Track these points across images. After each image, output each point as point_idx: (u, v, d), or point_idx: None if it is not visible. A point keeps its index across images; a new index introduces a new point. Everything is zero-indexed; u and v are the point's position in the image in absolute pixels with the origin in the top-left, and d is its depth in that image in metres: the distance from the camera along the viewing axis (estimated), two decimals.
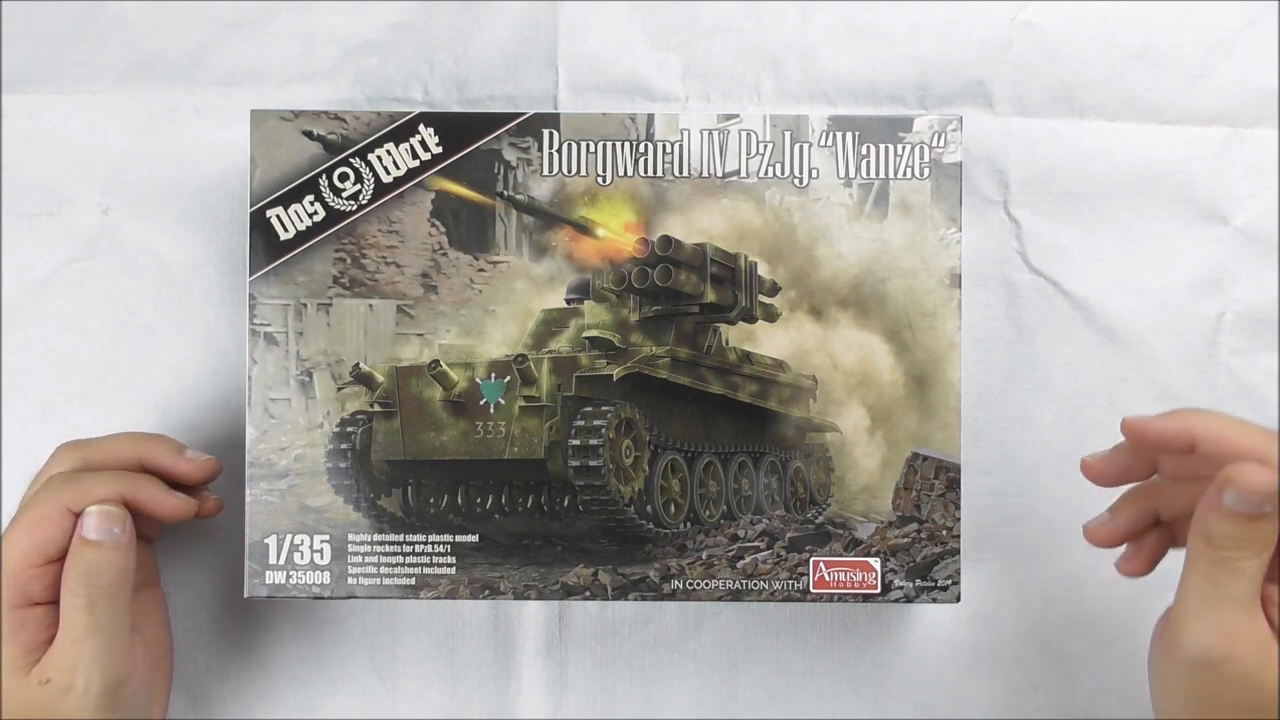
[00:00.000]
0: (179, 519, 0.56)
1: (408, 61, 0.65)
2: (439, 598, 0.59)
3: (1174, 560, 0.52)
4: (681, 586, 0.59)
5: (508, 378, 0.62)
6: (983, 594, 0.65)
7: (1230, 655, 0.47)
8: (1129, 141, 0.65)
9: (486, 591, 0.59)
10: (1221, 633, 0.47)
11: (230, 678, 0.64)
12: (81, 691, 0.53)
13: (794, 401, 0.62)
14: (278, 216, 0.59)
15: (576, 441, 0.62)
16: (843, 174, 0.60)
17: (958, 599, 0.59)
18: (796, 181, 0.60)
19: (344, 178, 0.59)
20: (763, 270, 0.61)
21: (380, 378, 0.61)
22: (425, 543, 0.59)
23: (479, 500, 0.64)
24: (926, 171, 0.60)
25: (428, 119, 0.59)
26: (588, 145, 0.60)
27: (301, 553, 0.59)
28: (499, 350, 0.61)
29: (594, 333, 0.63)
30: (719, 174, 0.60)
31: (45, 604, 0.54)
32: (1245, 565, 0.47)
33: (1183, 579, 0.49)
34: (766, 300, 0.61)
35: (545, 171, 0.60)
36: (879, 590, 0.59)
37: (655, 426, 0.65)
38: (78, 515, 0.53)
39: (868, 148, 0.60)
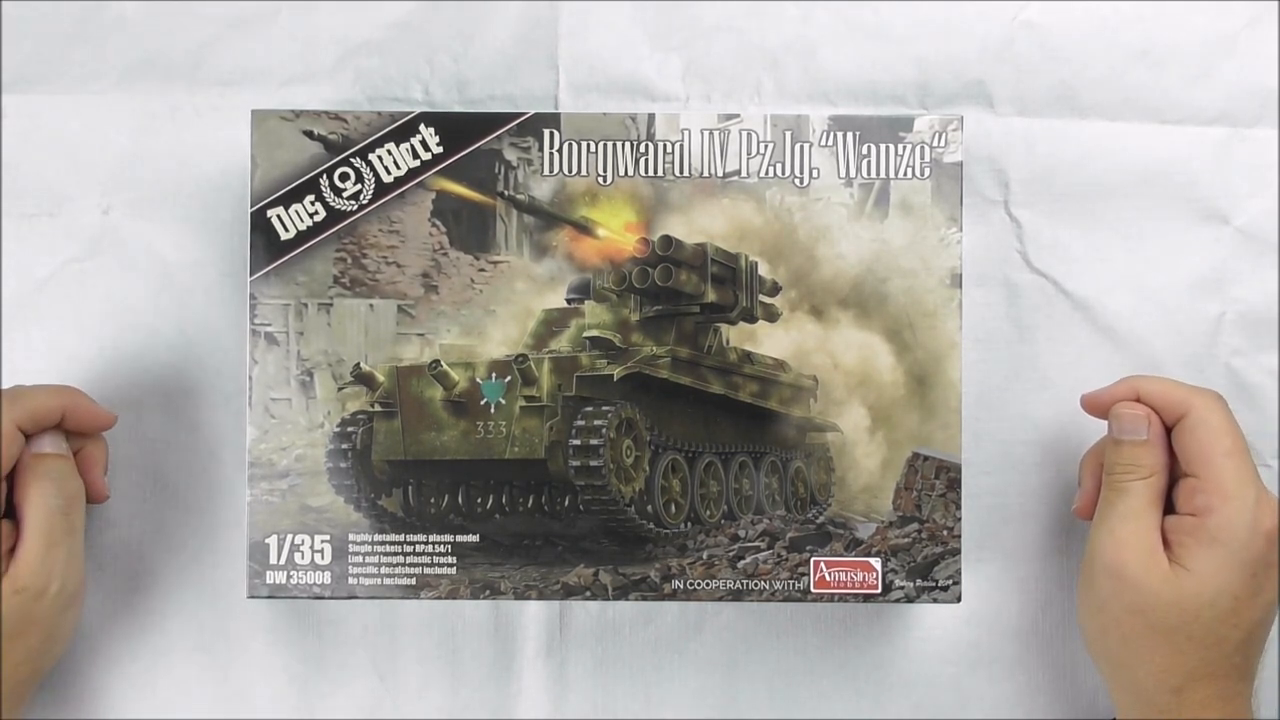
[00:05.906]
0: (104, 429, 0.60)
1: (408, 61, 0.65)
2: (439, 598, 0.59)
3: None
4: (682, 586, 0.59)
5: (508, 378, 0.62)
6: (983, 594, 0.65)
7: (1123, 561, 0.56)
8: (1129, 141, 0.65)
9: (487, 591, 0.59)
10: (1114, 541, 0.56)
11: (230, 678, 0.64)
12: (54, 594, 0.56)
13: (795, 401, 0.62)
14: (278, 216, 0.59)
15: (577, 441, 0.62)
16: (843, 174, 0.60)
17: (958, 599, 0.59)
18: (797, 181, 0.60)
19: (344, 178, 0.59)
20: (763, 270, 0.61)
21: (381, 378, 0.61)
22: (426, 543, 0.59)
23: (480, 500, 0.64)
24: (927, 171, 0.60)
25: (428, 119, 0.59)
26: (588, 145, 0.60)
27: (302, 553, 0.59)
28: (499, 350, 0.61)
29: (594, 333, 0.63)
30: (719, 174, 0.60)
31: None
32: (1131, 486, 0.57)
33: (1098, 506, 0.59)
34: (767, 300, 0.61)
35: (546, 171, 0.60)
36: (880, 590, 0.59)
37: (656, 426, 0.65)
38: (28, 434, 0.57)
39: (868, 148, 0.60)
